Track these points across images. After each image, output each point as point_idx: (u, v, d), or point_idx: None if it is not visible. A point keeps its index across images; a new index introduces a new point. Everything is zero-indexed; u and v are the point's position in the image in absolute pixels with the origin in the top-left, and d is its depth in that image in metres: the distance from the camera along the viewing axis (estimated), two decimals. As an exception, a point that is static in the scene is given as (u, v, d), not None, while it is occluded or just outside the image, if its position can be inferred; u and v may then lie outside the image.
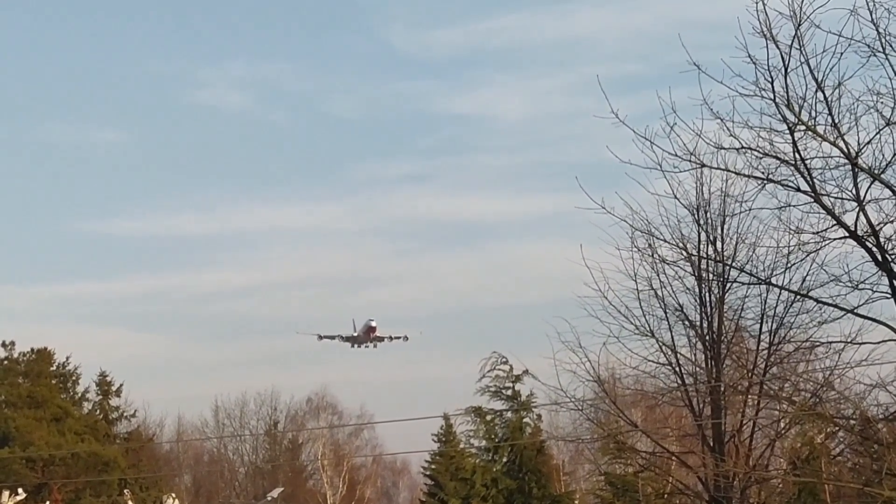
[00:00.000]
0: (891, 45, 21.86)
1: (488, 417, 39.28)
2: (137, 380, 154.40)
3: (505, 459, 39.34)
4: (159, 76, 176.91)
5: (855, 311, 24.69)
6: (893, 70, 22.13)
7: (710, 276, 35.83)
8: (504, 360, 39.10)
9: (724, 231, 35.43)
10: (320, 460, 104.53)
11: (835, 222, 23.84)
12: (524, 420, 39.27)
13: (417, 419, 31.71)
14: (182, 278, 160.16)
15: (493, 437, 39.30)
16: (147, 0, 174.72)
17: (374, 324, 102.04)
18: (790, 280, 30.60)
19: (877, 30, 21.87)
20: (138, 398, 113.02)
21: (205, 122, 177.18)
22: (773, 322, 34.95)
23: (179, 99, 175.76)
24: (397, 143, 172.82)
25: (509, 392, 39.17)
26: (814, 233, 24.38)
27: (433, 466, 59.03)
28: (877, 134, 22.81)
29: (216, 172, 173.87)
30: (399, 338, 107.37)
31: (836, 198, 23.64)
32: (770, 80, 22.80)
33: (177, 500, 58.74)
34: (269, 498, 76.51)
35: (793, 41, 22.47)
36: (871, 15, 21.78)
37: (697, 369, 36.11)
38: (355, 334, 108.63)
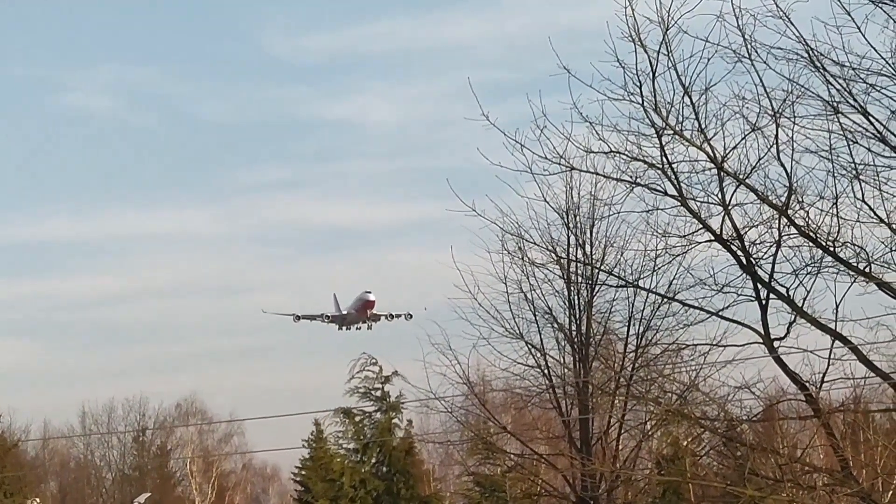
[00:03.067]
0: (756, 52, 22.19)
1: (357, 418, 39.19)
2: (1, 387, 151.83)
3: (374, 460, 39.29)
4: (24, 80, 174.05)
5: (720, 313, 24.98)
6: (759, 76, 22.48)
7: (579, 278, 36.20)
8: (373, 360, 39.10)
9: (593, 234, 35.90)
10: (188, 467, 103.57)
11: (701, 226, 24.12)
12: (393, 421, 39.26)
13: (287, 415, 31.38)
14: (50, 284, 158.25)
15: (361, 437, 39.22)
16: (9, 3, 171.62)
17: (371, 297, 77.97)
18: (657, 283, 31.00)
19: (743, 36, 22.17)
20: (2, 405, 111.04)
21: (74, 126, 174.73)
22: (640, 325, 35.45)
23: (47, 103, 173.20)
24: (271, 148, 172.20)
25: (378, 393, 39.12)
26: (680, 236, 24.64)
27: (303, 472, 58.79)
28: (742, 139, 23.14)
29: (86, 177, 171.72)
30: (400, 316, 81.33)
31: (702, 202, 23.93)
32: (638, 84, 23.02)
33: (41, 506, 57.86)
34: (135, 503, 75.61)
35: (660, 46, 22.72)
36: (738, 21, 22.07)
37: (566, 371, 36.44)
38: (344, 312, 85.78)
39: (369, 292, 74.41)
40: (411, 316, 53.13)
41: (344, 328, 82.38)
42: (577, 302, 36.26)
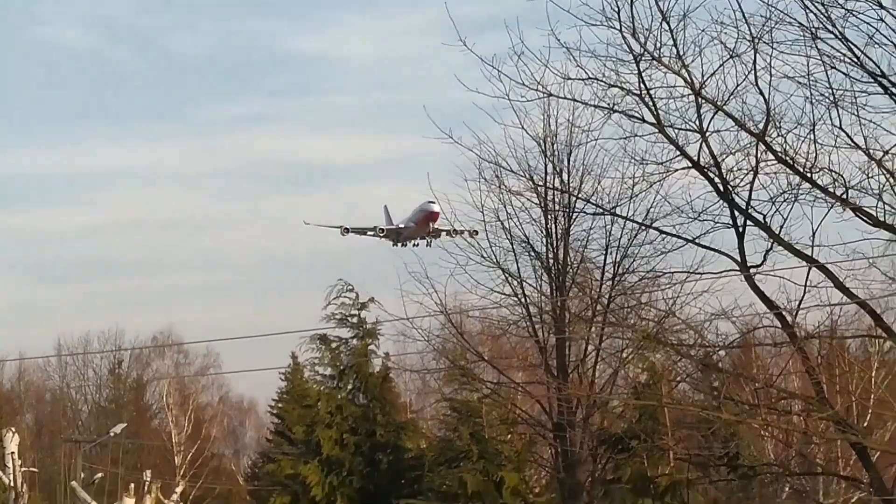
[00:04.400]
0: (735, -24, 22.14)
1: (333, 345, 39.19)
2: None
3: (350, 386, 39.30)
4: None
5: (697, 241, 25.11)
6: (737, 1, 22.45)
7: (556, 206, 36.21)
8: (350, 287, 39.02)
9: (571, 162, 35.79)
10: (165, 399, 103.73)
11: (678, 153, 24.18)
12: (370, 347, 39.29)
13: (262, 336, 31.12)
14: (23, 218, 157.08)
15: (338, 364, 39.23)
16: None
17: (435, 207, 58.65)
18: (635, 211, 31.06)
19: (722, -40, 22.14)
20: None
21: (45, 59, 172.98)
22: (617, 252, 35.48)
23: (17, 35, 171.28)
24: (244, 82, 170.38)
25: (355, 320, 39.14)
26: (658, 163, 24.71)
27: (280, 405, 58.86)
28: (721, 65, 23.16)
29: (59, 111, 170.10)
30: (463, 232, 67.13)
31: (679, 129, 23.99)
32: (617, 9, 22.99)
33: (17, 436, 57.87)
34: (111, 434, 75.60)
35: (639, -29, 22.65)
36: (717, -54, 22.03)
37: (543, 299, 36.52)
38: (401, 225, 72.57)
39: (433, 202, 55.34)
40: (476, 232, 40.70)
41: (399, 244, 68.44)
42: (554, 230, 36.26)
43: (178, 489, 67.87)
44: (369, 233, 65.10)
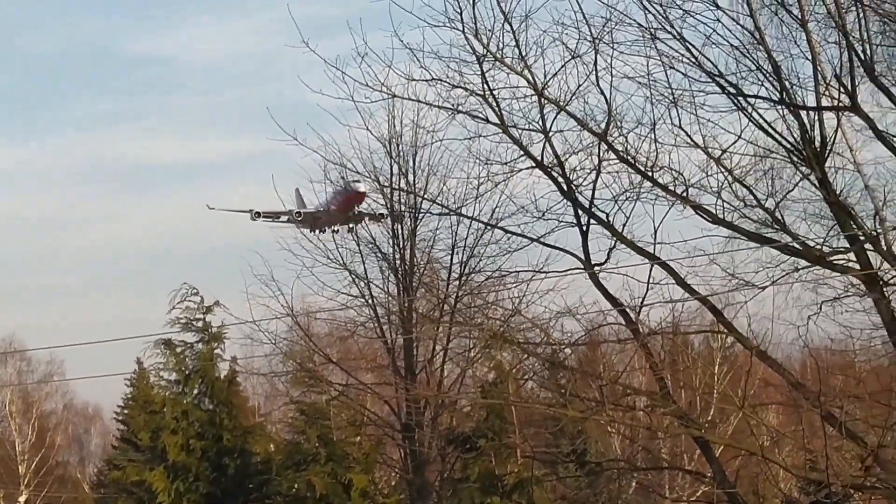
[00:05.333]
0: (576, -22, 22.32)
1: (178, 349, 38.75)
2: None
3: (196, 391, 38.91)
4: None
5: (542, 240, 25.24)
6: (578, 3, 22.62)
7: (402, 207, 36.27)
8: (195, 291, 38.59)
9: (416, 163, 35.92)
10: (7, 407, 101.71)
11: (522, 153, 24.27)
12: (216, 351, 38.94)
13: (106, 341, 30.52)
14: None
15: (183, 369, 38.81)
16: None
17: (361, 187, 47.87)
18: (480, 211, 31.18)
19: (563, -38, 22.31)
20: None
21: None
22: (463, 252, 35.70)
23: None
24: (94, 82, 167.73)
25: (200, 324, 38.73)
26: (502, 164, 24.76)
27: (126, 411, 58.07)
28: (563, 66, 23.31)
29: None
30: (386, 216, 45.63)
31: (523, 129, 24.08)
32: (459, 10, 22.99)
33: None
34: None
35: (481, -28, 22.72)
36: (558, -53, 22.19)
37: (390, 300, 36.55)
38: (320, 209, 54.19)
39: (358, 181, 45.54)
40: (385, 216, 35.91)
41: (317, 231, 51.31)
42: (400, 231, 36.35)
43: (22, 498, 66.65)
44: (283, 217, 54.28)
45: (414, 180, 35.99)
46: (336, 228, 41.63)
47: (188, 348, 39.11)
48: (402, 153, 35.99)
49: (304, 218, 43.13)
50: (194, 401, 39.05)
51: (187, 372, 39.04)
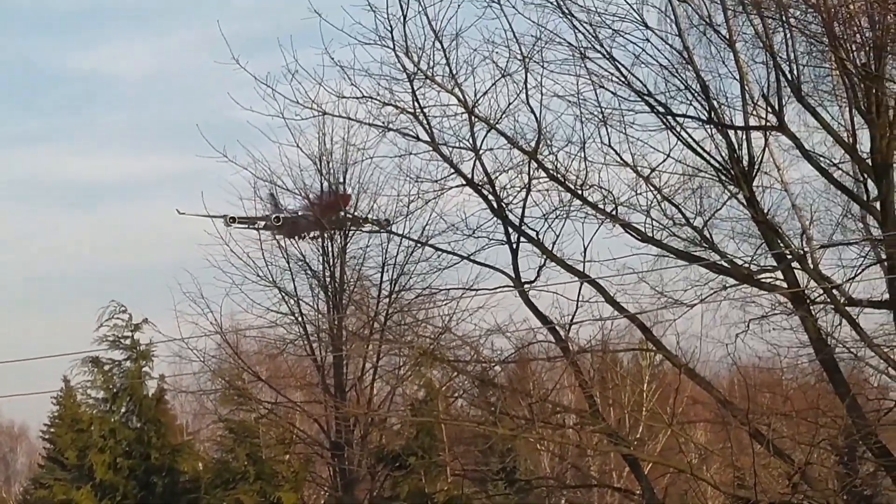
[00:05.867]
0: (506, -4, 22.42)
1: (106, 367, 38.41)
2: None
3: (124, 409, 38.57)
4: None
5: (472, 258, 25.28)
6: (508, 21, 22.72)
7: (333, 224, 36.17)
8: (122, 308, 38.28)
9: (347, 180, 35.83)
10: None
11: (453, 171, 24.35)
12: (144, 369, 38.61)
13: (29, 359, 30.11)
14: None
15: (110, 387, 38.47)
16: None
17: (349, 190, 41.36)
18: (410, 228, 31.14)
19: (493, -20, 22.39)
20: None
21: None
22: (394, 270, 35.61)
23: None
24: (15, 101, 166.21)
25: (128, 341, 38.40)
26: (433, 181, 24.83)
27: (52, 430, 57.37)
28: (493, 84, 23.40)
29: None
30: (372, 221, 39.74)
31: (454, 147, 24.15)
32: (390, 28, 23.03)
33: None
34: None
35: (411, -10, 22.75)
36: (488, -35, 22.26)
37: (320, 318, 36.42)
38: (299, 213, 43.35)
39: (342, 182, 40.12)
40: (389, 222, 31.00)
41: (296, 238, 44.03)
42: (331, 248, 36.26)
43: (-55, 519, 65.76)
44: (259, 223, 45.07)
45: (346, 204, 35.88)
46: (316, 235, 38.31)
47: (116, 366, 38.75)
48: (332, 170, 35.95)
49: (284, 223, 38.64)
50: (122, 419, 38.69)
51: (115, 390, 38.69)
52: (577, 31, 22.37)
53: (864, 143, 21.89)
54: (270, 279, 36.12)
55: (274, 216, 38.87)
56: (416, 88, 23.40)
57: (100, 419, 38.60)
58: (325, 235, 35.94)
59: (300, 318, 36.42)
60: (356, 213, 35.34)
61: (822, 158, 22.59)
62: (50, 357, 36.64)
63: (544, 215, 23.89)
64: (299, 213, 38.65)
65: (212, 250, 35.33)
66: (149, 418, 38.65)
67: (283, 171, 35.02)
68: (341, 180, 35.76)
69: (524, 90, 23.11)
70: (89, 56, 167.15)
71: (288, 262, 36.24)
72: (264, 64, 24.91)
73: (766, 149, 22.76)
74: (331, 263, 36.21)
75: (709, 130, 22.68)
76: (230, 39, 24.47)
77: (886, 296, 22.35)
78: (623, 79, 22.52)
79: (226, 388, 38.82)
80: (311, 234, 38.33)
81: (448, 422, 31.85)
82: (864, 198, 22.43)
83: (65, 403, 57.56)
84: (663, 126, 22.70)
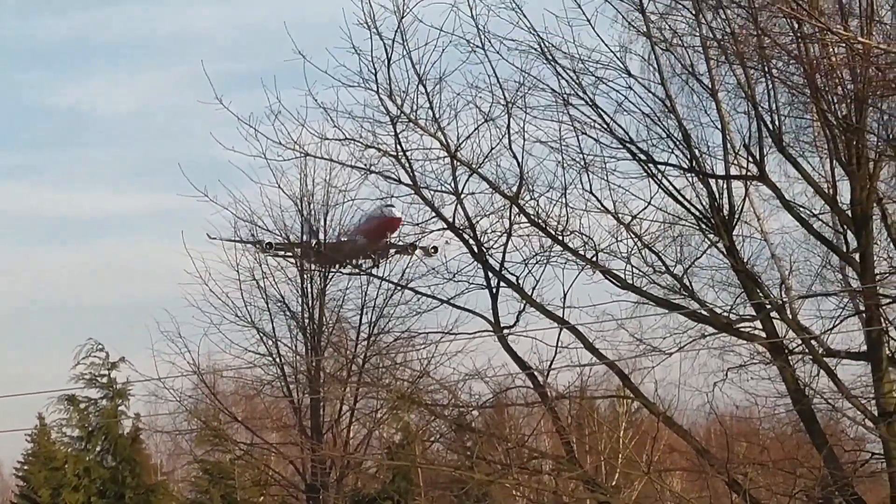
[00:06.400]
0: (490, 42, 22.50)
1: (82, 405, 38.29)
2: None
3: (99, 448, 38.43)
4: None
5: (452, 302, 25.25)
6: (492, 66, 22.78)
7: (313, 266, 36.13)
8: (100, 346, 38.21)
9: (327, 222, 35.83)
10: None
11: (434, 214, 24.35)
12: (120, 408, 38.49)
13: (10, 396, 30.09)
14: None
15: (86, 425, 38.32)
16: None
17: (396, 212, 33.45)
18: (391, 271, 31.11)
19: (476, 26, 22.46)
20: None
21: None
22: (373, 313, 35.60)
23: None
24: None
25: (105, 380, 38.28)
26: (414, 224, 24.85)
27: (26, 467, 57.11)
28: (476, 129, 23.42)
29: None
30: (418, 248, 30.95)
31: (435, 190, 24.17)
32: (374, 71, 23.04)
33: None
34: None
35: (396, 34, 22.80)
36: (472, 11, 22.34)
37: (298, 359, 36.34)
38: (343, 238, 40.89)
39: (391, 205, 32.87)
40: (436, 249, 28.43)
41: (336, 267, 40.98)
42: (310, 290, 36.22)
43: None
44: (296, 250, 40.76)
45: (325, 239, 35.91)
46: (359, 262, 35.64)
47: (92, 404, 38.70)
48: (313, 211, 35.95)
49: (325, 250, 35.41)
50: (97, 458, 38.60)
51: (90, 428, 38.61)
52: (560, 77, 22.47)
53: (845, 195, 22.00)
54: (249, 319, 36.09)
55: (315, 242, 36.09)
56: (398, 131, 23.42)
57: (74, 457, 38.50)
58: (373, 263, 34.16)
59: (278, 360, 36.38)
60: (333, 256, 35.27)
61: (802, 209, 22.68)
62: (25, 395, 36.58)
63: (524, 260, 23.89)
64: (344, 239, 36.07)
65: (191, 289, 35.26)
66: (124, 457, 38.56)
67: (263, 212, 35.00)
68: (321, 221, 35.73)
69: (507, 135, 23.16)
70: (72, 92, 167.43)
71: (267, 303, 36.23)
72: (247, 104, 24.91)
73: (747, 198, 22.85)
74: (310, 305, 36.18)
75: (690, 179, 22.75)
76: (214, 78, 24.51)
77: (864, 347, 22.37)
78: (605, 126, 22.59)
79: (202, 428, 38.69)
80: (355, 262, 35.95)
81: (424, 466, 31.75)
82: (844, 249, 22.51)
83: (39, 441, 57.38)
84: (645, 174, 22.75)
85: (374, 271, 32.03)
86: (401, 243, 32.22)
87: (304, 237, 35.94)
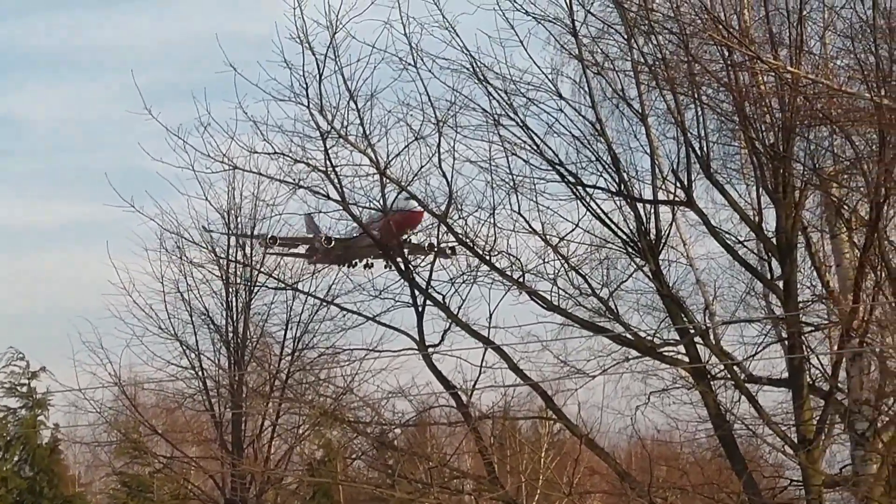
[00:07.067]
0: (422, 60, 22.52)
1: (0, 415, 37.86)
2: None
3: (17, 458, 38.00)
4: None
5: (377, 319, 25.21)
6: (424, 85, 22.79)
7: (238, 280, 35.94)
8: (21, 355, 37.81)
9: (254, 235, 35.59)
10: None
11: (362, 231, 24.31)
12: (39, 418, 38.06)
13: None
14: None
15: (4, 435, 37.88)
16: None
17: (416, 206, 25.83)
18: (317, 287, 30.96)
19: (409, 44, 22.47)
20: None
21: None
22: (298, 328, 35.42)
23: None
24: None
25: (24, 389, 37.86)
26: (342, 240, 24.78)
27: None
28: (406, 147, 23.41)
29: None
30: (442, 249, 26.29)
31: (364, 207, 24.16)
32: (305, 86, 22.98)
33: None
34: None
35: (328, 49, 22.76)
36: (405, 29, 22.35)
37: (221, 373, 36.12)
38: (355, 234, 32.11)
39: (409, 198, 26.10)
40: (454, 251, 23.92)
41: (348, 264, 36.90)
42: (234, 303, 36.01)
43: None
44: (300, 247, 38.42)
45: (251, 253, 35.76)
46: (371, 262, 31.63)
47: (11, 413, 38.24)
48: (240, 225, 35.74)
49: (336, 246, 32.15)
50: (14, 468, 38.18)
51: (8, 438, 38.18)
52: (491, 97, 22.52)
53: (770, 223, 22.18)
54: (172, 332, 35.81)
55: (324, 237, 32.76)
56: (328, 147, 23.36)
57: (-9, 468, 38.06)
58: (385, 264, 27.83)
59: (200, 373, 36.12)
60: (259, 270, 35.05)
61: (728, 235, 22.84)
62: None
63: (451, 279, 23.91)
64: (356, 234, 30.38)
65: (115, 300, 34.93)
66: (42, 468, 38.16)
67: (190, 224, 34.72)
68: (250, 232, 35.47)
69: (437, 153, 23.16)
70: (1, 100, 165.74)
71: (191, 316, 35.96)
72: (177, 115, 24.74)
73: (674, 223, 22.97)
74: (234, 318, 35.96)
75: (618, 202, 22.85)
76: (144, 88, 24.37)
77: (786, 374, 22.54)
78: (535, 147, 22.66)
79: (121, 440, 38.36)
80: (366, 261, 32.25)
81: (345, 483, 31.67)
82: (768, 276, 22.69)
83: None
84: (573, 196, 22.84)
85: (300, 286, 31.85)
86: (416, 243, 28.69)
87: (309, 232, 33.00)
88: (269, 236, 32.63)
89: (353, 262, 32.89)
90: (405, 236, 28.19)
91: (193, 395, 36.64)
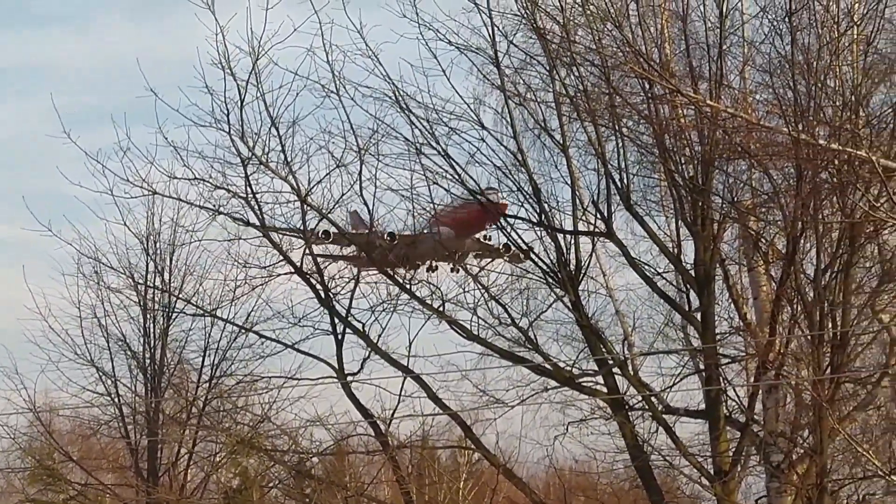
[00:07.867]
0: (345, 88, 22.53)
1: None
2: None
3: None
4: None
5: (296, 346, 25.11)
6: (346, 112, 22.80)
7: (156, 306, 35.62)
8: (-69, 381, 37.12)
9: (173, 262, 35.26)
10: None
11: (282, 258, 24.23)
12: (-56, 445, 37.46)
13: None
14: None
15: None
16: None
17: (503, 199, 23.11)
18: (235, 314, 30.74)
19: (332, 72, 22.51)
20: None
21: None
22: (216, 355, 35.08)
23: None
24: None
25: (-69, 415, 37.27)
26: (261, 267, 24.68)
27: None
28: (327, 174, 23.39)
29: None
30: (510, 251, 24.54)
31: (284, 233, 24.06)
32: (226, 112, 22.96)
33: None
34: None
35: (250, 76, 22.73)
36: (328, 57, 22.39)
37: (137, 400, 35.76)
38: (426, 231, 25.54)
39: (493, 189, 23.34)
40: (527, 254, 22.26)
41: (409, 270, 26.43)
42: (152, 329, 35.65)
43: None
44: (347, 249, 27.18)
45: (170, 279, 35.39)
46: (435, 265, 26.07)
47: (-81, 440, 37.61)
48: (159, 251, 35.37)
49: (398, 244, 25.40)
50: (-78, 494, 37.51)
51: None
52: (413, 126, 22.59)
53: (689, 255, 22.36)
54: (88, 358, 35.34)
55: (387, 232, 25.74)
56: (249, 173, 23.31)
57: None
58: (452, 267, 24.93)
59: (116, 400, 35.69)
60: (177, 296, 34.80)
61: (647, 267, 22.99)
62: None
63: (371, 307, 23.89)
64: (426, 231, 25.50)
65: (30, 325, 34.48)
66: (-49, 495, 37.54)
67: (108, 249, 34.35)
68: (167, 261, 35.22)
69: (358, 181, 23.17)
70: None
71: (107, 342, 35.52)
72: (98, 138, 24.59)
73: (594, 254, 23.12)
74: (151, 345, 35.60)
75: (538, 233, 22.96)
76: (63, 110, 24.20)
77: (703, 406, 22.68)
78: (457, 176, 22.75)
79: (35, 466, 37.83)
80: (429, 265, 26.20)
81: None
82: (686, 308, 22.85)
83: None
84: (494, 226, 22.88)
85: (217, 312, 31.60)
86: (489, 243, 25.74)
87: (351, 228, 25.59)
88: (323, 231, 25.26)
89: (417, 264, 26.38)
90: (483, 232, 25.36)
91: (109, 422, 36.22)
